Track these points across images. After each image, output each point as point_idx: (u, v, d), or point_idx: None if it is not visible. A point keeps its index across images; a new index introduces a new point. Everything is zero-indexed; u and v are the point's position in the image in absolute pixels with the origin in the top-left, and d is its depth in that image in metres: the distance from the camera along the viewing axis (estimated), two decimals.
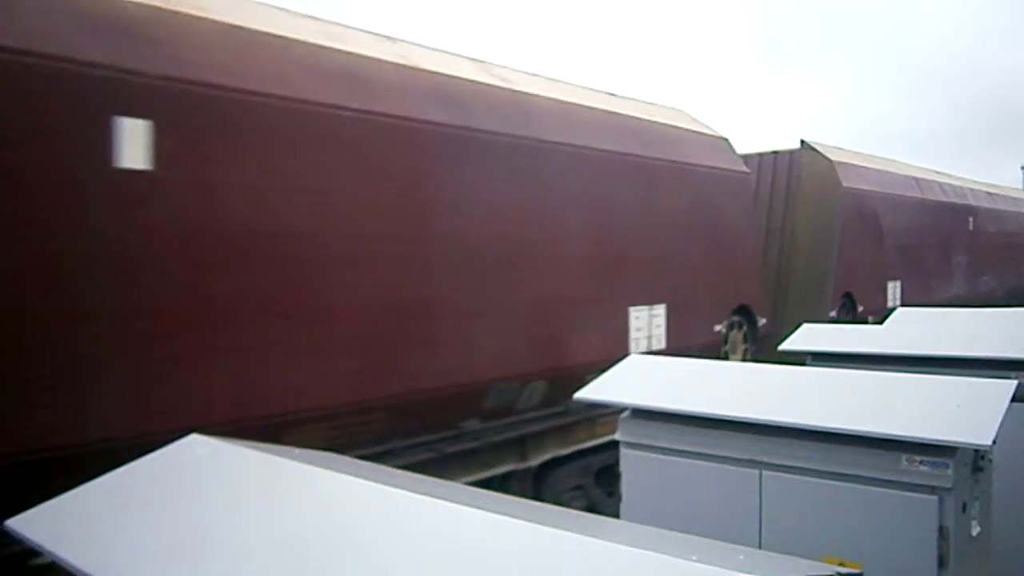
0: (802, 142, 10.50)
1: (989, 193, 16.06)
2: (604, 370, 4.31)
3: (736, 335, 8.40)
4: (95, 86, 3.78)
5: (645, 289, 6.97)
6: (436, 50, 5.97)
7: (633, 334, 6.80)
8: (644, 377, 4.35)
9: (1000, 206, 16.23)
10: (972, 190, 15.14)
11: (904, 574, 3.14)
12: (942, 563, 3.09)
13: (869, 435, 3.21)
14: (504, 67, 6.50)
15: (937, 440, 3.08)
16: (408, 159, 5.16)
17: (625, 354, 4.98)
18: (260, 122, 4.43)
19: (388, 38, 5.67)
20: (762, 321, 8.65)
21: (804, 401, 3.72)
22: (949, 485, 3.09)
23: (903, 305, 10.81)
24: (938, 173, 14.37)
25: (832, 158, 10.32)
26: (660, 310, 7.11)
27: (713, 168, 8.07)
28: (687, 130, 8.12)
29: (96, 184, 3.80)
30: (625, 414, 4.02)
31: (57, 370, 3.58)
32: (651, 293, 7.02)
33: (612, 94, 7.58)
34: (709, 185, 7.97)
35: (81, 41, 3.78)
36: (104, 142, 3.78)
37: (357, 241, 4.87)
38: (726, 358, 8.10)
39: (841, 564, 3.17)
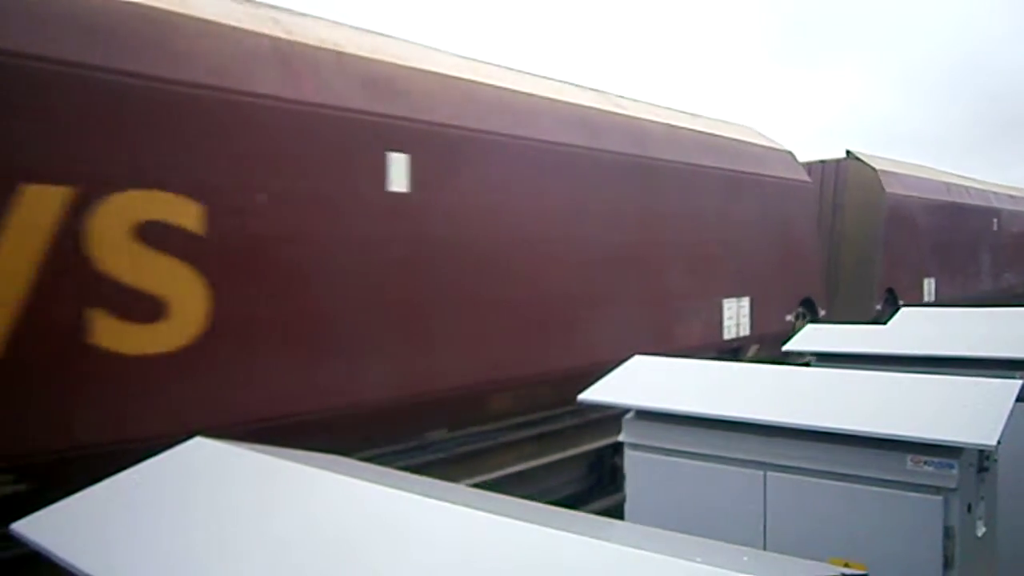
0: (848, 152, 11.53)
1: (1012, 196, 17.03)
2: (704, 351, 5.81)
3: (801, 324, 9.10)
4: (377, 129, 5.08)
5: (734, 284, 8.21)
6: (566, 83, 7.29)
7: (726, 322, 8.02)
8: (648, 378, 4.35)
9: (1022, 207, 17.15)
10: (996, 193, 16.13)
11: (909, 575, 3.14)
12: (948, 564, 3.08)
13: (873, 436, 3.21)
14: (620, 96, 7.81)
15: (942, 440, 3.07)
16: (565, 177, 6.41)
17: (720, 339, 7.27)
18: (475, 152, 5.75)
19: (530, 74, 6.96)
20: (822, 312, 9.89)
21: (808, 402, 3.72)
22: (954, 486, 3.08)
23: (937, 299, 12.27)
24: (964, 178, 15.22)
25: (876, 167, 11.36)
26: (745, 302, 8.35)
27: (782, 179, 9.38)
28: (760, 145, 9.39)
29: (378, 205, 5.07)
30: (629, 415, 4.02)
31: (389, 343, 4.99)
32: (738, 287, 8.26)
33: (695, 114, 8.75)
34: (779, 194, 9.24)
35: (364, 95, 5.13)
36: (381, 171, 5.08)
37: (532, 244, 6.14)
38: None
39: (846, 565, 3.17)
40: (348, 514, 2.23)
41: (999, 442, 3.01)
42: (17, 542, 2.34)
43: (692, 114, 8.57)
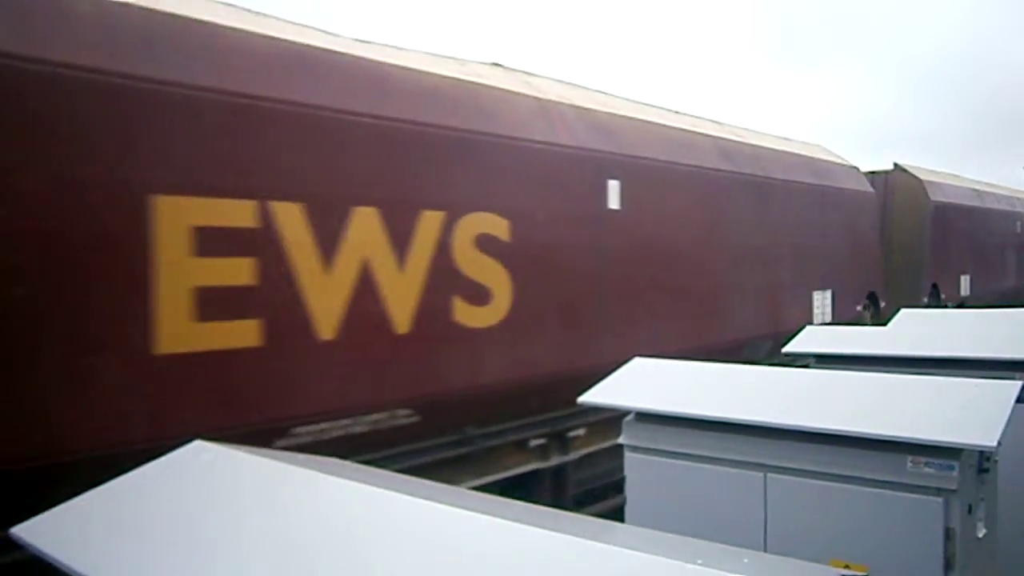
0: (895, 165, 13.31)
1: None
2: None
3: (866, 313, 11.20)
4: (601, 162, 6.77)
5: (820, 279, 10.03)
6: (702, 118, 9.13)
7: (815, 309, 9.79)
8: (648, 380, 4.35)
9: None
10: (1020, 198, 18.43)
11: None
12: (948, 565, 3.08)
13: (874, 437, 3.21)
14: (737, 127, 9.66)
15: (942, 442, 3.08)
16: (714, 194, 8.20)
17: (810, 324, 8.20)
18: (661, 177, 7.52)
19: (683, 113, 8.78)
20: (883, 303, 11.63)
21: (808, 403, 3.72)
22: (954, 487, 3.08)
23: (972, 293, 14.04)
24: (990, 185, 17.23)
25: (921, 177, 13.12)
26: (828, 294, 10.12)
27: (853, 190, 11.12)
28: (835, 163, 11.19)
29: (602, 219, 6.75)
30: (629, 418, 4.02)
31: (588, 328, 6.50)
32: (823, 282, 10.09)
33: (785, 138, 10.66)
34: (850, 203, 10.98)
35: (593, 138, 6.87)
36: (603, 193, 6.76)
37: (697, 246, 7.90)
38: None
39: (847, 567, 3.16)
40: (347, 517, 2.23)
41: (999, 443, 3.01)
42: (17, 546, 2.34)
43: (783, 137, 10.67)
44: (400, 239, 5.10)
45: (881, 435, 3.19)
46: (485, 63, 6.72)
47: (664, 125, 7.95)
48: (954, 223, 13.66)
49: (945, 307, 12.44)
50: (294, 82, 4.69)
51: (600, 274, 6.68)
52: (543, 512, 2.47)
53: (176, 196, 4.05)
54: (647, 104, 8.21)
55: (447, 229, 5.37)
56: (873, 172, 12.72)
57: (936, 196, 13.16)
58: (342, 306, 4.75)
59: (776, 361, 6.53)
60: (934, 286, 12.97)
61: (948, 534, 3.09)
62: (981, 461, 3.31)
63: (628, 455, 4.00)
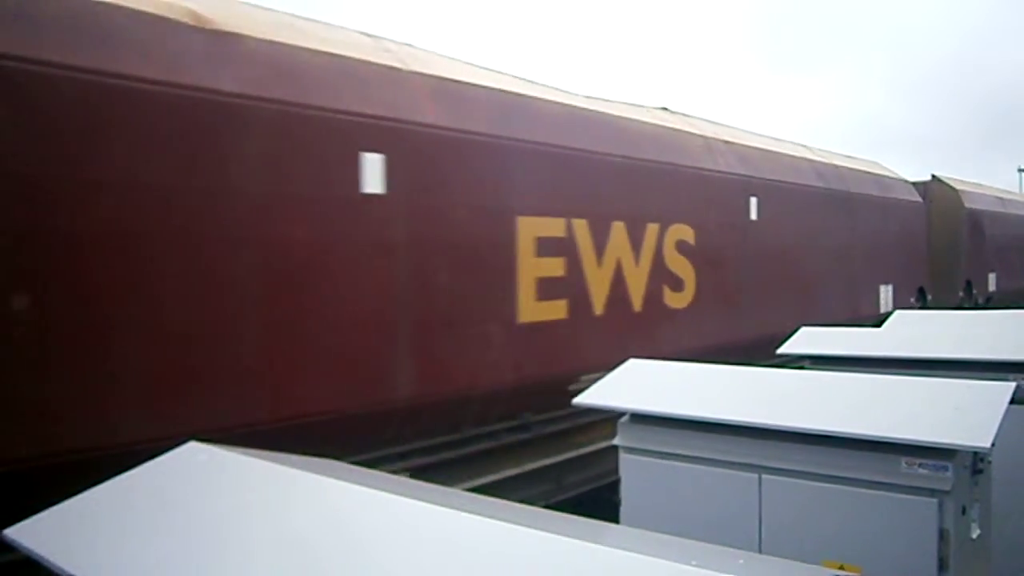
0: (933, 176, 15.26)
1: None
2: (877, 321, 8.04)
3: (916, 304, 12.88)
4: (745, 185, 8.84)
5: (884, 275, 12.03)
6: (804, 145, 11.18)
7: (881, 300, 11.80)
8: (643, 381, 4.36)
9: None
10: None
11: None
12: (942, 566, 3.09)
13: (868, 438, 3.22)
14: (822, 149, 11.62)
15: (936, 443, 3.08)
16: (814, 207, 10.24)
17: (878, 311, 11.08)
18: (785, 195, 9.54)
19: (787, 141, 10.85)
20: (929, 297, 13.48)
21: (803, 404, 3.72)
22: (948, 488, 3.09)
23: (999, 289, 15.85)
24: (1009, 192, 19.86)
25: (956, 187, 15.04)
26: (890, 287, 12.10)
27: (906, 200, 13.23)
28: (891, 177, 13.21)
29: (746, 227, 8.75)
30: (624, 419, 4.02)
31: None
32: (886, 277, 12.07)
33: (851, 156, 12.52)
34: (904, 211, 13.07)
35: (739, 165, 8.82)
36: (747, 208, 8.83)
37: (805, 247, 9.92)
38: None
39: (841, 568, 3.17)
40: (343, 519, 2.23)
41: (993, 444, 3.02)
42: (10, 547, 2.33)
43: (849, 156, 12.51)
44: (635, 244, 7.00)
45: (875, 436, 3.20)
46: (656, 108, 8.65)
47: (780, 153, 10.08)
48: (983, 227, 15.60)
49: (976, 301, 14.65)
50: (577, 135, 6.66)
51: (744, 268, 8.68)
52: (538, 513, 2.47)
53: (527, 216, 5.97)
54: (767, 136, 10.40)
55: (660, 236, 7.31)
56: (914, 183, 14.49)
57: (969, 203, 15.13)
58: (606, 291, 6.66)
59: (771, 362, 6.53)
60: (967, 282, 14.79)
61: (942, 535, 3.09)
62: (975, 462, 3.32)
63: (623, 456, 4.00)
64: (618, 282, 6.75)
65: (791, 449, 3.44)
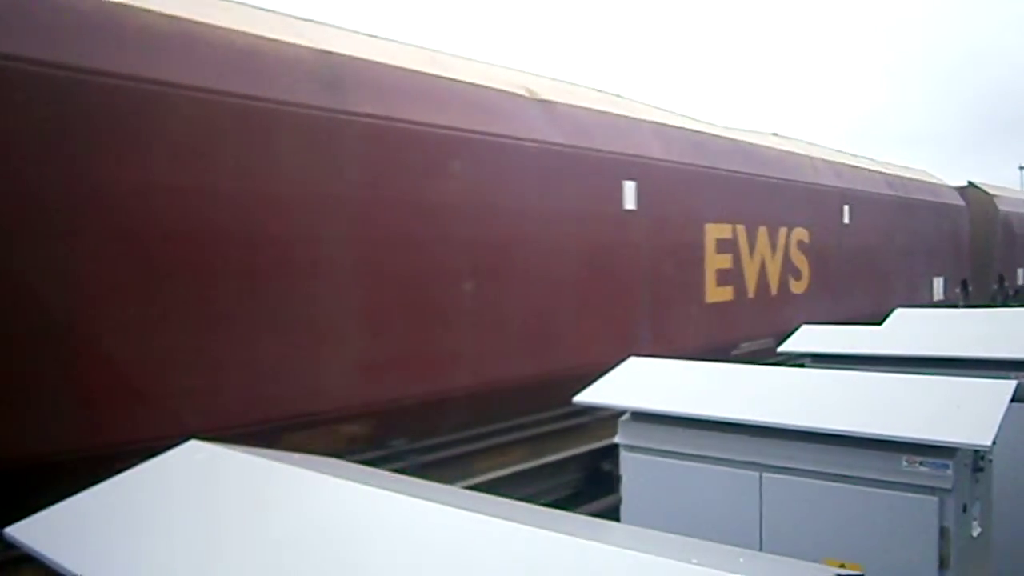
0: (969, 183, 17.27)
1: None
2: (925, 306, 10.97)
3: (961, 295, 15.24)
4: (841, 194, 11.14)
5: (937, 269, 14.24)
6: (870, 159, 13.31)
7: (935, 290, 13.99)
8: (643, 380, 4.35)
9: None
10: None
11: (905, 575, 3.14)
12: (943, 564, 3.09)
13: (869, 436, 3.21)
14: (882, 161, 13.82)
15: (937, 441, 3.08)
16: (887, 212, 12.39)
17: (932, 299, 13.49)
18: (873, 203, 11.93)
19: (859, 155, 12.89)
20: (971, 288, 15.80)
21: (804, 403, 3.72)
22: (949, 486, 3.09)
23: None
24: None
25: (991, 192, 17.25)
26: (941, 279, 14.32)
27: (952, 204, 15.42)
28: (940, 184, 15.49)
29: (840, 229, 11.07)
30: (625, 417, 4.02)
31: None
32: (938, 271, 14.28)
33: (906, 167, 14.62)
34: (951, 214, 15.25)
35: (835, 179, 11.17)
36: (841, 213, 11.12)
37: (879, 247, 12.03)
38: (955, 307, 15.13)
39: (842, 566, 3.16)
40: (342, 516, 2.23)
41: (994, 442, 3.01)
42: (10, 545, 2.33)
43: (905, 166, 14.69)
44: (773, 243, 9.11)
45: (876, 434, 3.19)
46: (769, 133, 10.74)
47: (862, 168, 12.27)
48: (1013, 227, 17.82)
49: (1007, 293, 16.95)
50: (736, 161, 8.79)
51: (839, 263, 10.77)
52: (538, 511, 2.47)
53: (711, 223, 8.10)
54: (852, 154, 12.51)
55: (787, 237, 9.42)
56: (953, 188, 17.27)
57: (1003, 206, 17.37)
58: (755, 280, 8.75)
59: (773, 360, 6.53)
60: (1000, 276, 16.96)
61: (943, 533, 3.09)
62: (976, 460, 3.31)
63: (624, 454, 4.00)
64: (762, 273, 8.99)
65: (792, 447, 3.43)
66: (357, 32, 5.59)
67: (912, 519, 3.14)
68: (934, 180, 15.25)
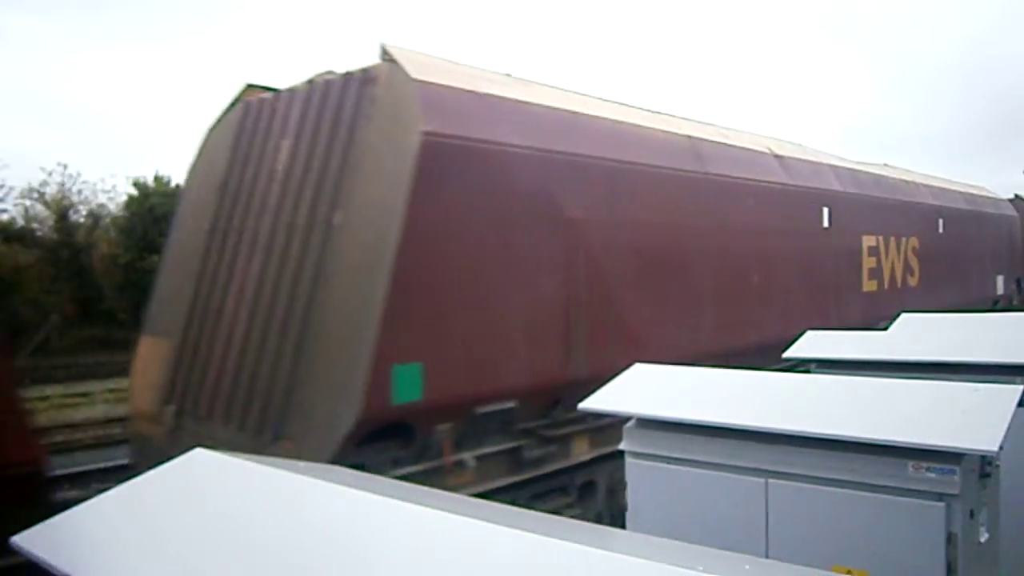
0: (1016, 195, 21.50)
1: None
2: (995, 299, 17.19)
3: (1016, 290, 18.73)
4: (937, 210, 15.34)
5: (998, 268, 17.57)
6: (951, 180, 17.04)
7: (997, 285, 17.21)
8: (648, 386, 4.35)
9: None
10: None
11: None
12: (950, 570, 3.07)
13: (875, 442, 3.20)
14: (955, 180, 17.41)
15: (943, 447, 3.07)
16: (965, 223, 15.97)
17: (995, 294, 17.68)
18: (952, 217, 15.79)
19: (938, 177, 16.76)
20: (1023, 285, 19.57)
21: (809, 409, 3.71)
22: (956, 492, 3.07)
23: None
24: None
25: None
26: (1001, 277, 17.64)
27: (1007, 215, 18.95)
28: (997, 198, 19.08)
29: (936, 237, 15.04)
30: (630, 424, 4.01)
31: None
32: (998, 270, 17.59)
33: (970, 184, 18.17)
34: (1007, 223, 18.72)
35: (934, 198, 15.42)
36: (937, 226, 15.55)
37: (959, 252, 15.67)
38: (1010, 302, 18.32)
39: (848, 572, 3.15)
40: (345, 524, 2.23)
41: (1001, 448, 3.00)
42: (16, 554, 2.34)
43: (968, 184, 18.16)
44: (898, 248, 12.24)
45: (882, 440, 3.18)
46: (879, 164, 13.85)
47: (950, 189, 15.78)
48: None
49: None
50: (880, 188, 12.49)
51: (936, 263, 13.82)
52: (542, 518, 2.46)
53: (865, 235, 11.57)
54: (940, 177, 16.17)
55: (906, 244, 12.68)
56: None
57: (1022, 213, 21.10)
58: (888, 276, 12.10)
59: (778, 366, 6.52)
60: None
61: (950, 539, 3.08)
62: (983, 466, 3.30)
63: (629, 461, 3.99)
64: (892, 271, 12.34)
65: (797, 453, 3.42)
66: (703, 122, 9.43)
67: (919, 525, 3.13)
68: (992, 195, 19.25)
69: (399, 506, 2.28)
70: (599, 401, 4.18)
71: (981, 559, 3.29)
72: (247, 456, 2.92)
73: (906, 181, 13.93)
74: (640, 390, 4.28)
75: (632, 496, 3.97)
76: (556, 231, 6.39)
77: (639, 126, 7.82)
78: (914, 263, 13.13)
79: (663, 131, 8.13)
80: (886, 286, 12.16)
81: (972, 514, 3.19)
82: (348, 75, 6.00)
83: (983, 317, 7.38)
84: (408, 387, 5.10)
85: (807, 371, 5.37)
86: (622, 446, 4.02)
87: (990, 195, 18.77)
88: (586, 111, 7.15)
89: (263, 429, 5.47)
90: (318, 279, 5.45)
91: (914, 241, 13.10)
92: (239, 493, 2.60)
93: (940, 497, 3.10)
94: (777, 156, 9.90)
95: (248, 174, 6.64)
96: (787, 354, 5.79)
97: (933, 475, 3.11)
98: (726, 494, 3.62)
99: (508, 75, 6.86)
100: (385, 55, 5.75)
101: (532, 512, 2.61)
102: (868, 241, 11.71)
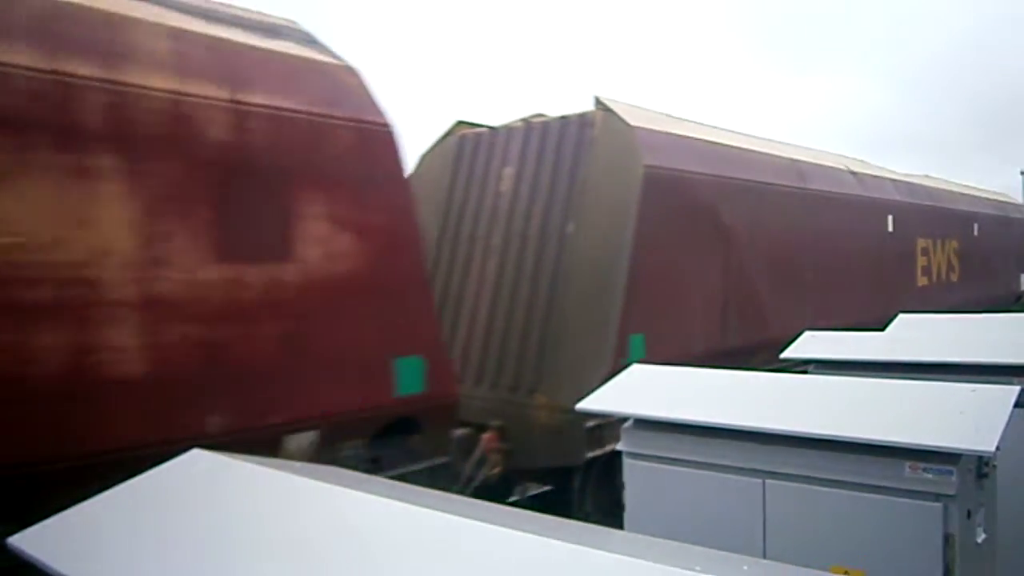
0: None
1: None
2: (1019, 295, 18.53)
3: None
4: (970, 216, 16.56)
5: (1021, 267, 18.70)
6: (982, 189, 18.80)
7: (1021, 283, 18.62)
8: (646, 387, 4.35)
9: None
10: None
11: None
12: (948, 570, 3.08)
13: (872, 443, 3.21)
14: (987, 188, 19.20)
15: (941, 447, 3.07)
16: (995, 226, 17.53)
17: (1020, 290, 18.77)
18: (983, 222, 17.10)
19: (974, 187, 18.56)
20: None
21: (807, 409, 3.71)
22: (953, 492, 3.08)
23: None
24: None
25: None
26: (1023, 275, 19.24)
27: None
28: (1016, 203, 20.49)
29: (971, 238, 16.69)
30: (628, 424, 4.01)
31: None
32: (1021, 268, 18.78)
33: (998, 192, 19.75)
34: None
35: (967, 206, 16.84)
36: (972, 229, 16.80)
37: (991, 252, 17.16)
38: None
39: (846, 573, 3.16)
40: (342, 525, 2.23)
41: (998, 448, 3.00)
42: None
43: (996, 191, 19.80)
44: (943, 248, 13.98)
45: (879, 441, 3.19)
46: (924, 175, 15.95)
47: (982, 197, 17.33)
48: None
49: None
50: (933, 198, 14.40)
51: (971, 263, 15.36)
52: (542, 519, 2.46)
53: (919, 238, 13.17)
54: (973, 187, 17.86)
55: (947, 244, 14.16)
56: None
57: None
58: (936, 273, 13.79)
59: (775, 367, 6.53)
60: None
61: (947, 539, 3.08)
62: (980, 466, 3.30)
63: (627, 461, 3.99)
64: (938, 269, 13.95)
65: (795, 454, 3.43)
66: (796, 145, 11.21)
67: (916, 526, 3.13)
68: (1015, 201, 21.15)
69: (397, 507, 2.28)
70: (597, 401, 4.18)
71: (978, 560, 3.30)
72: (245, 457, 2.92)
73: (948, 191, 15.82)
74: (638, 390, 4.28)
75: (630, 497, 3.97)
76: (718, 236, 8.42)
77: (762, 153, 9.70)
78: (955, 262, 14.86)
79: (776, 155, 10.01)
80: (934, 281, 13.98)
81: (969, 515, 3.20)
82: (564, 119, 7.90)
83: (980, 318, 7.38)
84: (636, 352, 7.08)
85: (805, 372, 5.38)
86: (620, 446, 4.03)
87: (1014, 201, 20.91)
88: (733, 143, 9.26)
89: (518, 387, 7.26)
90: (557, 272, 7.38)
91: (955, 243, 14.84)
92: (237, 494, 2.60)
93: (937, 498, 3.11)
94: (853, 173, 11.95)
95: (472, 193, 8.31)
96: (785, 354, 5.80)
97: (930, 476, 3.12)
98: (724, 494, 3.62)
99: (668, 115, 8.88)
100: (599, 104, 7.72)
101: (530, 513, 2.61)
102: (921, 243, 13.43)
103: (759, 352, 8.13)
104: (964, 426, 3.17)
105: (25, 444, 3.44)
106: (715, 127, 9.60)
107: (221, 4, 5.00)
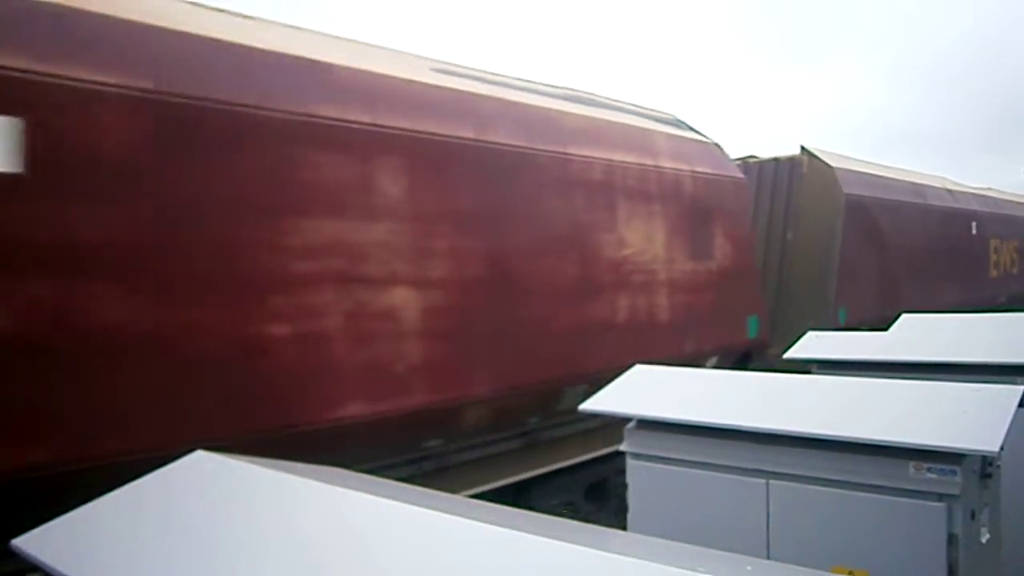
0: None
1: None
2: None
3: None
4: (980, 218, 16.84)
5: None
6: (998, 190, 19.85)
7: None
8: (649, 387, 4.35)
9: None
10: None
11: None
12: (952, 571, 3.07)
13: (876, 443, 3.20)
14: (1000, 189, 20.42)
15: (944, 447, 3.07)
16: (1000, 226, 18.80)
17: None
18: (996, 218, 17.61)
19: (992, 188, 19.75)
20: None
21: (810, 409, 3.71)
22: (957, 492, 3.07)
23: None
24: None
25: None
26: None
27: None
28: None
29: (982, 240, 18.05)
30: (631, 425, 4.01)
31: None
32: None
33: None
34: None
35: (975, 204, 16.66)
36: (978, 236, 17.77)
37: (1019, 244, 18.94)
38: None
39: (850, 573, 3.15)
40: (348, 527, 2.23)
41: (1002, 448, 3.00)
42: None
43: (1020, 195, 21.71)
44: (1007, 248, 16.87)
45: (883, 441, 3.18)
46: (984, 187, 17.90)
47: (994, 198, 17.84)
48: None
49: None
50: (993, 206, 17.06)
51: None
52: (544, 520, 2.46)
53: (994, 239, 16.13)
54: (991, 187, 18.74)
55: (1009, 244, 16.94)
56: None
57: None
58: (1004, 267, 16.75)
59: (779, 367, 6.52)
60: None
61: (951, 540, 3.07)
62: (984, 466, 3.30)
63: (630, 462, 3.99)
64: (1004, 264, 16.37)
65: (798, 454, 3.42)
66: (906, 169, 13.96)
67: (920, 526, 3.13)
68: None
69: (398, 507, 2.28)
70: (600, 402, 4.18)
71: (982, 560, 3.29)
72: (248, 458, 2.92)
73: (1009, 200, 18.74)
74: (641, 391, 4.28)
75: (633, 497, 3.97)
76: (879, 239, 11.82)
77: (898, 180, 13.01)
78: (1016, 258, 17.75)
79: (905, 180, 13.23)
80: (1001, 273, 16.79)
81: (973, 515, 3.19)
82: (777, 160, 11.28)
83: (984, 317, 7.36)
84: (842, 318, 10.48)
85: (808, 372, 5.37)
86: (623, 447, 4.02)
87: None
88: (886, 175, 12.71)
89: None
90: (782, 266, 10.82)
91: (1015, 242, 17.77)
92: (240, 495, 2.60)
93: (941, 498, 3.10)
94: (949, 191, 15.10)
95: None
96: (788, 355, 5.79)
97: (934, 476, 3.11)
98: (727, 495, 3.62)
99: (842, 154, 11.92)
100: (804, 151, 11.07)
101: (532, 513, 2.61)
102: (993, 244, 16.22)
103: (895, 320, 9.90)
104: (968, 426, 3.17)
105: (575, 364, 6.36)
106: (877, 163, 13.26)
107: (642, 107, 8.46)
